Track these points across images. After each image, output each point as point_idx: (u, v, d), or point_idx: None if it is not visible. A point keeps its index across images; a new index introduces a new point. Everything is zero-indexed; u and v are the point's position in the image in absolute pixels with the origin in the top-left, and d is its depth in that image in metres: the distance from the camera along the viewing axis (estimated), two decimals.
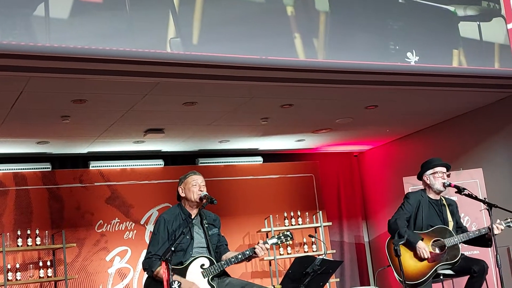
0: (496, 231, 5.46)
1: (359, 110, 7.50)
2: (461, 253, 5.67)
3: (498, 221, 5.53)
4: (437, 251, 5.60)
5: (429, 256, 5.55)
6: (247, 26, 5.46)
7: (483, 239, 5.66)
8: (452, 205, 5.91)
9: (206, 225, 4.91)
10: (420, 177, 5.91)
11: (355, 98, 7.04)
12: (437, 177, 5.78)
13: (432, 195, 5.83)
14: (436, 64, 6.23)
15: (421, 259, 5.57)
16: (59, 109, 6.29)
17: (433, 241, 5.63)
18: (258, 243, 4.80)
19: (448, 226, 5.73)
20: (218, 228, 5.03)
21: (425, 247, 5.55)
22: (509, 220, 5.66)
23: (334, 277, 9.01)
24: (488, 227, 5.55)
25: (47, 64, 4.97)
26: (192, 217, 4.84)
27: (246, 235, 9.00)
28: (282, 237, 4.92)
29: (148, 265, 4.73)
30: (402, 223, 5.63)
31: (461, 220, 6.07)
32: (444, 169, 5.82)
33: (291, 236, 4.94)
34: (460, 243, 5.62)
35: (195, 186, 4.86)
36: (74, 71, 5.19)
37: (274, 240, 4.91)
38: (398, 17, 6.13)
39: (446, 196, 6.01)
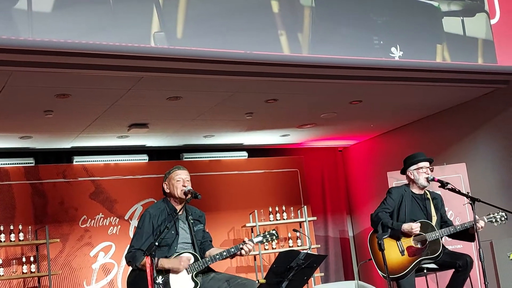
0: (478, 227, 5.50)
1: (344, 105, 7.51)
2: (444, 248, 5.71)
3: (477, 217, 5.56)
4: (419, 245, 5.64)
5: (419, 229, 5.59)
6: (232, 20, 5.44)
7: (467, 234, 5.70)
8: (437, 199, 5.94)
9: (192, 221, 4.90)
10: (403, 172, 5.94)
11: (339, 93, 7.05)
12: (421, 172, 5.81)
13: (415, 190, 5.86)
14: (420, 59, 6.25)
15: (402, 253, 5.61)
16: (42, 103, 6.24)
17: (415, 235, 5.66)
18: (244, 241, 4.80)
19: (432, 221, 5.76)
20: (203, 224, 5.03)
21: (411, 225, 5.59)
22: (491, 215, 5.70)
23: (319, 272, 9.04)
24: (470, 223, 5.59)
25: (29, 58, 4.93)
26: (178, 212, 4.83)
27: (231, 230, 9.00)
28: (268, 236, 4.94)
29: (131, 259, 4.71)
30: (384, 216, 5.66)
31: (446, 214, 6.10)
32: (427, 164, 5.85)
33: (276, 235, 4.94)
34: (441, 237, 5.66)
35: (179, 181, 4.85)
36: (57, 65, 5.16)
37: (259, 239, 4.92)
38: (382, 12, 6.14)
39: (431, 190, 6.04)
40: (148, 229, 4.76)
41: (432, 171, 5.85)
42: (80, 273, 8.06)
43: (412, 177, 5.84)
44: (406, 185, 5.93)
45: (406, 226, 5.61)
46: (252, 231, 8.89)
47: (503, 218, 5.68)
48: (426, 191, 5.91)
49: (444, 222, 5.88)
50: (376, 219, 5.69)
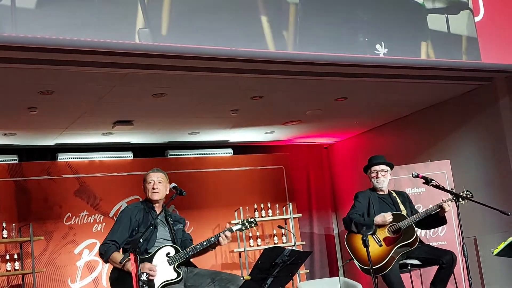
0: (446, 208, 5.64)
1: (329, 102, 7.53)
2: (421, 242, 5.77)
3: (443, 198, 5.67)
4: (394, 235, 5.73)
5: (391, 218, 5.71)
6: (217, 17, 5.43)
7: (438, 218, 5.80)
8: (403, 196, 6.12)
9: (171, 222, 4.98)
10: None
11: (324, 90, 7.07)
12: (372, 175, 6.05)
13: (379, 191, 6.01)
14: (405, 56, 6.27)
15: (379, 244, 5.68)
16: (26, 100, 6.20)
17: (389, 226, 5.75)
18: (224, 231, 4.85)
19: None
20: (183, 226, 5.11)
21: (383, 214, 5.71)
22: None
23: (304, 268, 9.07)
24: (438, 205, 5.71)
25: (13, 54, 4.90)
26: (156, 210, 4.95)
27: (216, 227, 8.99)
28: (246, 223, 5.02)
29: (103, 251, 4.80)
30: (355, 216, 5.81)
31: (416, 209, 6.20)
32: (378, 168, 6.02)
33: (255, 222, 5.03)
34: (414, 223, 5.74)
35: (150, 184, 4.99)
36: (41, 61, 5.12)
37: (238, 227, 4.99)
38: (367, 9, 6.15)
39: (396, 190, 6.20)
40: (125, 223, 4.88)
41: (383, 176, 5.96)
42: (64, 271, 8.02)
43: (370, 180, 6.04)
44: (370, 188, 6.10)
45: (378, 218, 5.73)
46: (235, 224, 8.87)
47: (468, 196, 5.73)
48: (390, 190, 6.06)
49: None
50: (348, 221, 5.85)
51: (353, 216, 5.82)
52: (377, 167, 6.03)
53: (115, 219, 5.09)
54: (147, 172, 5.08)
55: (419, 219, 5.77)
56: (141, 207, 4.98)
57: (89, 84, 5.94)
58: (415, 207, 6.27)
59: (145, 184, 5.00)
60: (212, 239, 4.84)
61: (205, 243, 4.83)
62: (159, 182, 4.96)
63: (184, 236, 5.08)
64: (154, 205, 4.97)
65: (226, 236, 4.84)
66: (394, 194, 6.04)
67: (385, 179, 6.00)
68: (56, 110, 6.66)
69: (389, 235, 5.73)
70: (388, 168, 6.07)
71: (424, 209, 5.90)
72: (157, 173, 5.02)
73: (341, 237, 10.05)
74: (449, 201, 5.68)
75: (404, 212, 5.90)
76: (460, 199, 5.65)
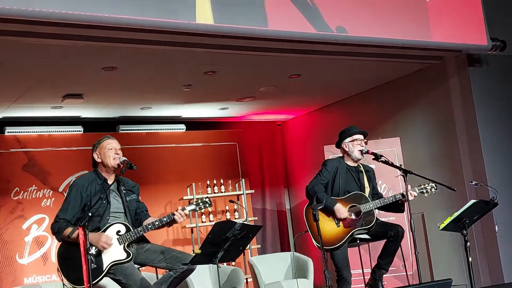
0: (410, 197, 5.63)
1: (283, 78, 7.54)
2: (377, 218, 5.83)
3: (410, 187, 5.68)
4: (353, 216, 5.74)
5: (347, 216, 5.68)
6: None
7: (396, 205, 5.83)
8: (369, 171, 6.05)
9: (124, 191, 4.85)
10: (338, 145, 6.02)
11: (278, 67, 7.07)
12: (355, 144, 5.88)
13: (350, 162, 5.94)
14: (356, 34, 6.29)
15: (337, 224, 5.69)
16: None
17: (349, 207, 5.76)
18: (177, 209, 4.78)
19: (365, 192, 5.87)
20: (136, 195, 4.97)
21: (340, 210, 5.67)
22: (422, 186, 5.83)
23: (256, 243, 9.13)
24: (402, 194, 5.72)
25: None
26: (109, 183, 4.79)
27: (168, 204, 8.96)
28: (201, 204, 4.91)
29: (56, 229, 4.66)
30: (319, 189, 5.72)
31: (378, 187, 6.22)
32: (361, 137, 5.94)
33: (209, 203, 4.93)
34: (375, 208, 5.77)
35: (111, 150, 4.80)
36: None
37: (192, 207, 4.89)
38: None
39: (364, 163, 6.14)
40: (75, 200, 4.71)
41: (366, 143, 5.95)
42: (12, 246, 7.90)
43: (347, 150, 5.92)
44: (340, 157, 6.01)
45: (338, 207, 5.66)
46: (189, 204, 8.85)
47: (433, 189, 5.81)
48: (359, 164, 6.01)
49: (375, 194, 6.00)
50: (311, 192, 5.74)
51: (317, 188, 5.70)
52: (361, 136, 5.89)
53: (65, 194, 4.95)
54: (100, 139, 4.86)
55: (381, 206, 5.80)
56: (92, 178, 4.80)
57: (37, 56, 5.79)
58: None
59: (104, 151, 4.78)
60: (165, 219, 4.75)
61: (157, 222, 4.72)
62: (119, 149, 4.81)
63: (139, 207, 4.95)
64: (107, 178, 4.80)
65: (181, 214, 4.76)
66: (362, 169, 5.97)
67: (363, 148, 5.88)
68: (3, 83, 6.49)
69: (349, 216, 5.74)
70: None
71: (392, 195, 5.87)
72: (115, 140, 4.86)
73: (292, 213, 10.14)
74: (414, 193, 5.68)
75: (367, 190, 5.85)
76: (425, 191, 5.71)
